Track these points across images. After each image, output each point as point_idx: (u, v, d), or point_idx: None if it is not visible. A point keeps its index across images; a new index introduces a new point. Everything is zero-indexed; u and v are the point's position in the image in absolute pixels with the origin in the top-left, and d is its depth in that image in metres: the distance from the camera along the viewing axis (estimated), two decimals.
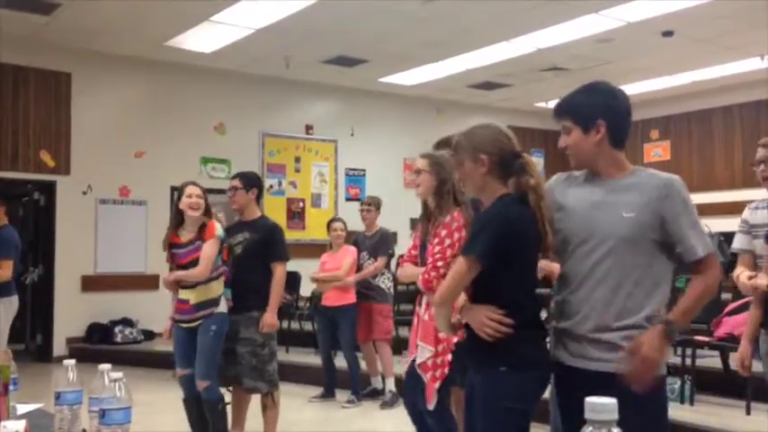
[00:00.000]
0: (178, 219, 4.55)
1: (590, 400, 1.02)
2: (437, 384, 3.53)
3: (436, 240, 3.52)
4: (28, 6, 7.94)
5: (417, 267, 3.71)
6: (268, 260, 4.62)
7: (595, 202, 2.33)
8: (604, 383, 2.02)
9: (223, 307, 4.47)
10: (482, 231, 2.39)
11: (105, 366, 1.77)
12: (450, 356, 3.52)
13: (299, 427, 5.63)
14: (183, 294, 4.43)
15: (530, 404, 2.43)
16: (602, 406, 1.01)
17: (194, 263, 4.36)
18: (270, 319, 4.55)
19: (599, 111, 2.34)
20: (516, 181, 2.47)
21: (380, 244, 6.54)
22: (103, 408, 1.67)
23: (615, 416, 1.01)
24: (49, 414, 2.07)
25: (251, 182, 4.78)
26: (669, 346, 2.23)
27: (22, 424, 1.81)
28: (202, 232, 4.42)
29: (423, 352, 3.60)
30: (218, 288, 4.44)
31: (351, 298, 6.45)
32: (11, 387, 2.02)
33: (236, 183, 4.75)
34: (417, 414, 3.75)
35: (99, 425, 1.67)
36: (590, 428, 1.01)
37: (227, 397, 4.65)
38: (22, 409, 2.20)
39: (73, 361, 1.93)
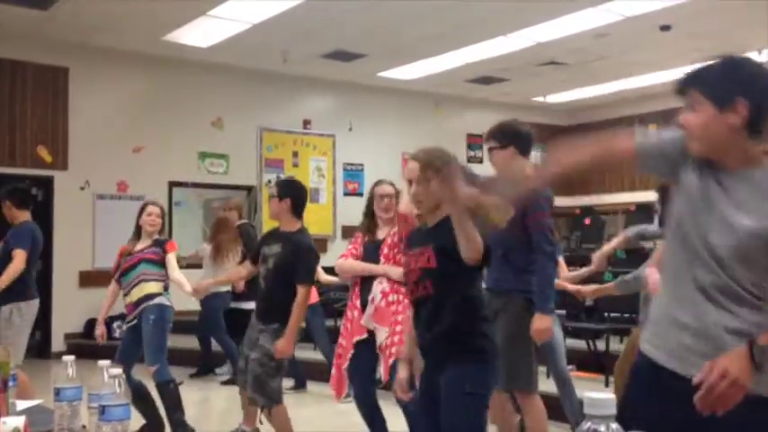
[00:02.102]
0: (138, 233, 5.11)
1: (589, 395, 1.02)
2: (392, 360, 3.83)
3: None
4: (25, 1, 7.92)
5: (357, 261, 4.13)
6: (293, 277, 4.32)
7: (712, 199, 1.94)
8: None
9: (161, 300, 4.88)
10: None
11: (105, 362, 1.77)
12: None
13: (298, 428, 5.63)
14: (127, 298, 4.96)
15: (491, 392, 2.80)
16: (601, 401, 1.01)
17: (145, 261, 4.93)
18: (284, 345, 4.23)
19: (742, 88, 1.88)
20: None
21: None
22: (103, 404, 1.67)
23: (614, 411, 1.01)
24: (49, 410, 2.07)
25: (284, 190, 4.45)
26: (751, 369, 1.80)
27: (21, 420, 1.81)
28: (163, 246, 5.01)
29: (380, 333, 3.96)
30: (154, 288, 4.89)
31: (315, 297, 6.51)
32: (10, 383, 2.02)
33: (273, 189, 4.62)
34: (368, 399, 4.08)
35: (99, 421, 1.67)
36: (589, 423, 1.01)
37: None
38: (22, 405, 2.20)
39: (72, 357, 1.93)
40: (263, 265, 4.38)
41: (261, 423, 4.51)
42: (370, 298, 4.05)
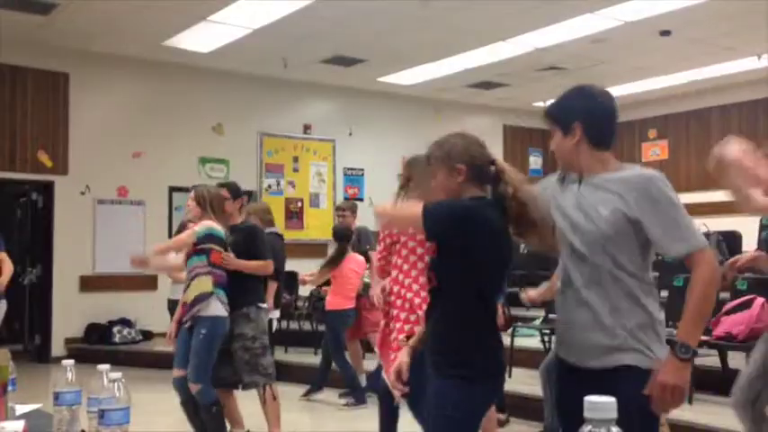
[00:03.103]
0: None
1: (589, 398, 1.02)
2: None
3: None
4: (26, 7, 7.93)
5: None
6: (254, 260, 4.84)
7: (576, 202, 2.34)
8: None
9: (215, 309, 4.49)
10: (445, 206, 2.48)
11: (104, 367, 1.77)
12: None
13: (296, 427, 5.64)
14: (183, 298, 4.62)
15: (476, 418, 2.43)
16: (601, 405, 1.01)
17: (188, 259, 4.64)
18: (233, 260, 4.68)
19: (576, 113, 2.36)
20: (494, 190, 2.48)
21: (357, 242, 6.70)
22: (102, 408, 1.67)
23: (614, 414, 1.01)
24: (48, 414, 2.07)
25: (234, 192, 5.03)
26: (687, 367, 2.15)
27: (20, 424, 1.80)
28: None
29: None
30: (206, 284, 4.51)
31: (339, 303, 6.44)
32: (9, 387, 2.02)
33: (224, 192, 4.94)
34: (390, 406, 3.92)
35: (98, 425, 1.67)
36: (589, 427, 1.01)
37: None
38: (21, 409, 2.20)
39: (72, 361, 1.93)
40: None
41: (265, 402, 4.74)
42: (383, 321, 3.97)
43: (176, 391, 4.58)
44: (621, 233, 2.23)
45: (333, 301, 6.45)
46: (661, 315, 2.31)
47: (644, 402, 2.14)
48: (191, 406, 4.54)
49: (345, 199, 11.47)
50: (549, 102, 2.56)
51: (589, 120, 2.34)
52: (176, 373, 4.55)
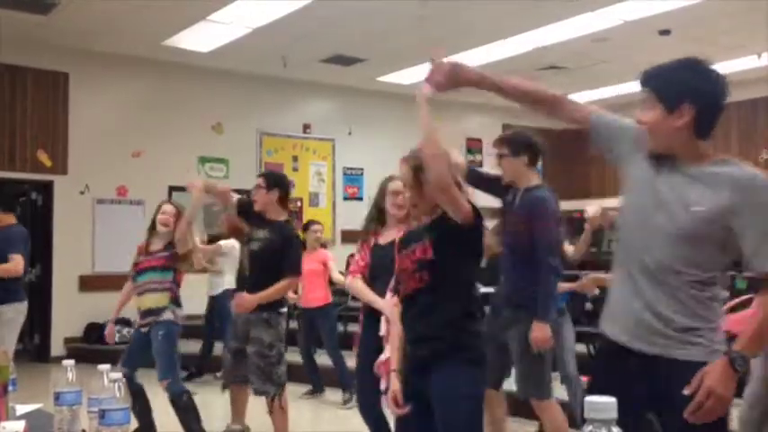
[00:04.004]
0: (153, 230, 5.03)
1: (590, 399, 1.02)
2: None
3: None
4: (25, 6, 7.92)
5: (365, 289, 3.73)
6: (281, 265, 4.49)
7: (666, 190, 2.09)
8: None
9: (168, 315, 4.80)
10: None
11: (105, 367, 1.77)
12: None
13: (297, 427, 5.63)
14: (137, 302, 4.95)
15: (483, 393, 2.77)
16: (602, 405, 1.01)
17: (150, 270, 4.86)
18: (249, 298, 4.43)
19: (688, 93, 2.07)
20: None
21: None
22: (103, 408, 1.67)
23: (614, 415, 1.01)
24: (49, 414, 2.07)
25: (272, 181, 4.65)
26: (735, 380, 1.97)
27: (21, 424, 1.80)
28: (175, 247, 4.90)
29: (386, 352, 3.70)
30: (160, 300, 4.81)
31: (327, 298, 6.58)
32: (9, 387, 2.02)
33: (260, 181, 4.71)
34: (373, 410, 3.85)
35: (99, 425, 1.67)
36: (590, 427, 1.01)
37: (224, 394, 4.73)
38: (22, 409, 2.20)
39: (72, 361, 1.93)
40: (248, 245, 4.58)
41: (271, 413, 4.58)
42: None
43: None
44: (708, 234, 2.03)
45: (320, 297, 6.54)
46: (723, 322, 2.15)
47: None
48: (134, 399, 4.55)
49: (345, 198, 11.49)
50: (648, 68, 2.36)
51: (703, 104, 2.07)
52: (120, 369, 4.61)
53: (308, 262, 6.62)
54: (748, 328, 2.02)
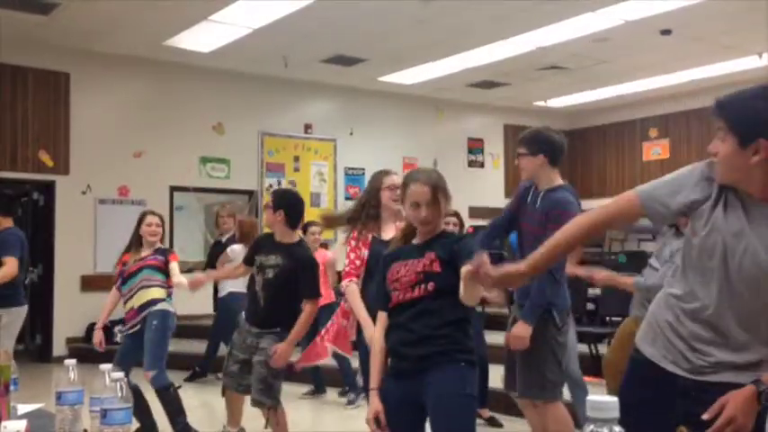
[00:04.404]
0: (137, 242, 5.07)
1: (592, 398, 1.02)
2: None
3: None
4: (27, 6, 7.93)
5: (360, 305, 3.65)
6: (298, 287, 4.31)
7: (741, 229, 1.98)
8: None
9: (164, 306, 4.85)
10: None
11: (106, 366, 1.77)
12: None
13: (297, 428, 5.63)
14: (129, 304, 4.92)
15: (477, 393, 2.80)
16: (604, 404, 1.01)
17: (146, 267, 4.91)
18: (284, 350, 4.21)
19: (765, 127, 1.90)
20: None
21: None
22: (105, 408, 1.67)
23: (616, 414, 1.01)
24: (50, 414, 2.07)
25: (279, 201, 4.40)
26: (757, 412, 1.92)
27: (22, 424, 1.81)
28: (166, 255, 4.99)
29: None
30: (157, 293, 4.86)
31: (330, 297, 6.53)
32: (11, 387, 2.02)
33: (269, 200, 4.79)
34: None
35: (100, 425, 1.67)
36: (591, 426, 1.01)
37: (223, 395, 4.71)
38: (23, 409, 2.20)
39: (74, 361, 1.94)
40: (260, 274, 4.35)
41: (267, 428, 4.51)
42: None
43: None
44: None
45: (323, 297, 6.53)
46: None
47: None
48: (138, 399, 4.60)
49: (347, 199, 11.49)
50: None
51: None
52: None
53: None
54: None
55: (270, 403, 4.36)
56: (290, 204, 4.38)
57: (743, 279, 1.97)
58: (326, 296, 6.57)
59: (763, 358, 2.02)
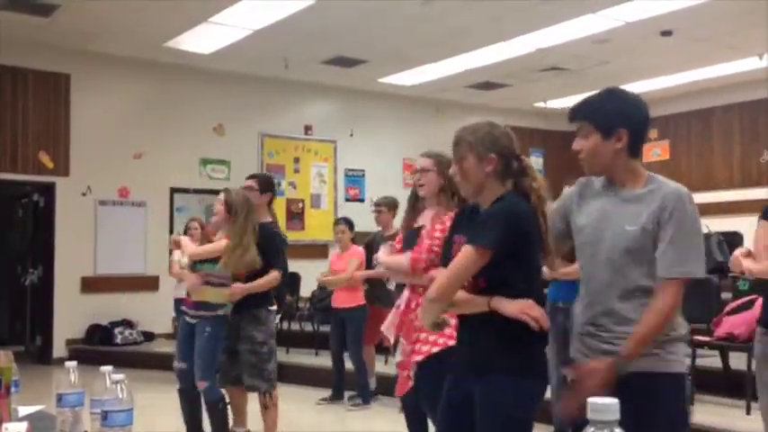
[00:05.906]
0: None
1: (593, 400, 1.02)
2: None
3: (437, 233, 3.37)
4: (27, 8, 7.93)
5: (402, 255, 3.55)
6: (268, 263, 4.67)
7: (606, 212, 2.34)
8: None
9: (221, 312, 4.65)
10: (493, 223, 2.33)
11: (107, 368, 1.77)
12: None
13: (298, 428, 5.64)
14: (195, 294, 4.72)
15: (532, 412, 2.36)
16: (604, 406, 1.01)
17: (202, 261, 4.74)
18: (237, 289, 4.56)
19: (621, 118, 2.33)
20: (516, 183, 2.45)
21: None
22: (105, 409, 1.67)
23: (617, 416, 1.01)
24: (51, 416, 2.07)
25: (266, 185, 4.93)
26: (612, 379, 2.18)
27: (23, 426, 1.81)
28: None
29: (402, 348, 3.52)
30: (222, 296, 4.62)
31: (359, 299, 6.44)
32: (12, 389, 2.02)
33: (252, 183, 4.88)
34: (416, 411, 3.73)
35: (101, 427, 1.67)
36: (592, 429, 1.01)
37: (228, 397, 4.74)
38: (24, 411, 2.20)
39: (74, 363, 1.93)
40: None
41: (266, 408, 4.66)
42: (396, 305, 3.66)
43: (177, 378, 4.76)
44: (643, 249, 2.25)
45: (351, 298, 6.44)
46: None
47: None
48: (187, 395, 4.71)
49: (347, 200, 11.49)
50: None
51: (635, 127, 2.34)
52: (177, 364, 4.75)
53: (339, 261, 6.61)
54: (638, 328, 2.20)
55: (265, 386, 4.59)
56: (273, 188, 5.02)
57: (608, 257, 2.31)
58: (355, 298, 6.43)
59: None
